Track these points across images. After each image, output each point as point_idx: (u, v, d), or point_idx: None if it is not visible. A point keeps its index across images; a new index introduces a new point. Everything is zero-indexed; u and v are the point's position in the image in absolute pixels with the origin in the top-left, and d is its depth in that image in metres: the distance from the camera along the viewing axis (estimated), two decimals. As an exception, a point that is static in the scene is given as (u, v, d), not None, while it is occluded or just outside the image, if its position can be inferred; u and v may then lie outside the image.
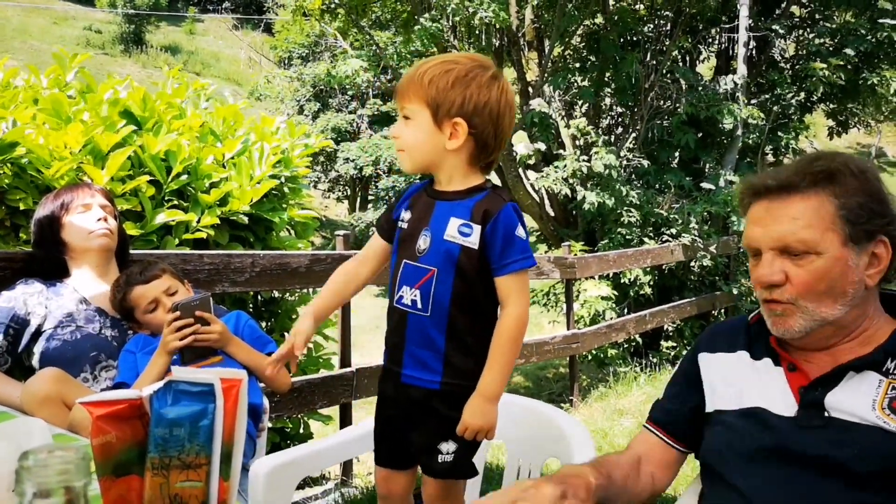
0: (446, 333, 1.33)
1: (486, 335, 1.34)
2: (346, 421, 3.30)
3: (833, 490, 1.05)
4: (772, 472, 1.11)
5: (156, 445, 0.69)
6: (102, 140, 2.57)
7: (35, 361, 1.87)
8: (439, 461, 1.36)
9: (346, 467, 3.38)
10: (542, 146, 7.45)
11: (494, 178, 9.25)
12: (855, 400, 1.08)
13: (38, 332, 1.87)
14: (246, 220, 2.97)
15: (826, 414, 1.09)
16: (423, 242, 1.34)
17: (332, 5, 8.64)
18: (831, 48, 8.35)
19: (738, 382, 1.22)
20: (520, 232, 1.32)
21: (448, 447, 1.36)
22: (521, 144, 7.55)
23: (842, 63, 8.01)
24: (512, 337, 1.32)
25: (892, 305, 1.19)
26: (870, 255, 1.11)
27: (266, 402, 2.01)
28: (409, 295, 1.34)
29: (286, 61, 19.58)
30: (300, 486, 3.31)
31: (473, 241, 1.31)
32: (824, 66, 7.89)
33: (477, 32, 8.03)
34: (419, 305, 1.33)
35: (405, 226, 1.39)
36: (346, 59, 8.65)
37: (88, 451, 0.57)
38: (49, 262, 1.98)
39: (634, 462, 1.28)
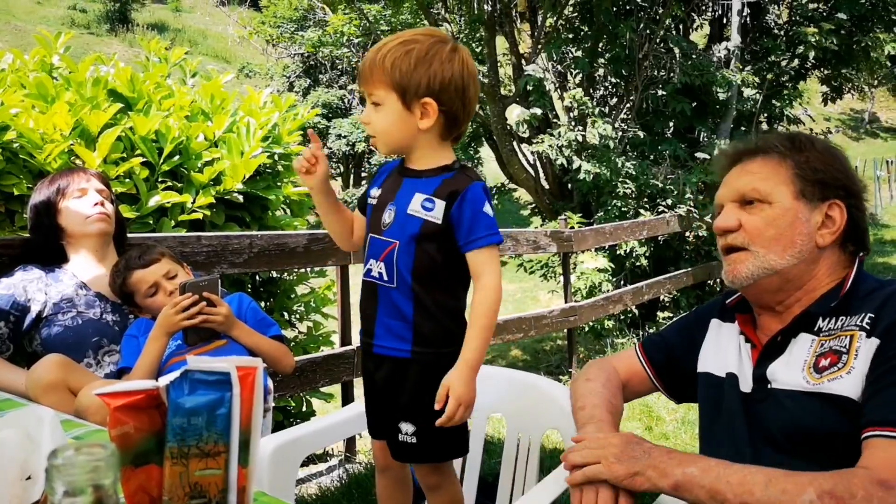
0: (413, 303, 1.35)
1: (452, 307, 1.38)
2: (347, 398, 3.31)
3: (766, 460, 1.08)
4: (729, 436, 1.19)
5: (174, 435, 0.69)
6: (92, 120, 2.54)
7: (37, 347, 1.86)
8: (399, 440, 1.38)
9: (350, 444, 3.41)
10: (538, 111, 7.36)
11: (489, 152, 9.22)
12: (791, 367, 1.13)
13: (38, 319, 1.86)
14: (241, 198, 2.94)
15: (769, 386, 1.15)
16: (388, 216, 1.38)
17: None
18: (824, 13, 8.27)
19: (727, 354, 1.29)
20: (486, 209, 1.35)
21: (407, 428, 1.37)
22: (516, 111, 7.44)
23: (834, 27, 7.94)
24: (489, 307, 1.34)
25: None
26: (823, 215, 1.17)
27: (270, 382, 2.01)
28: (375, 267, 1.37)
29: (273, 38, 19.29)
30: (305, 464, 3.34)
31: (436, 215, 1.33)
32: (815, 30, 7.82)
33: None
34: (385, 277, 1.36)
35: (374, 201, 1.43)
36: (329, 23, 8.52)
37: (110, 444, 0.57)
38: (47, 248, 1.96)
39: (620, 389, 1.38)
